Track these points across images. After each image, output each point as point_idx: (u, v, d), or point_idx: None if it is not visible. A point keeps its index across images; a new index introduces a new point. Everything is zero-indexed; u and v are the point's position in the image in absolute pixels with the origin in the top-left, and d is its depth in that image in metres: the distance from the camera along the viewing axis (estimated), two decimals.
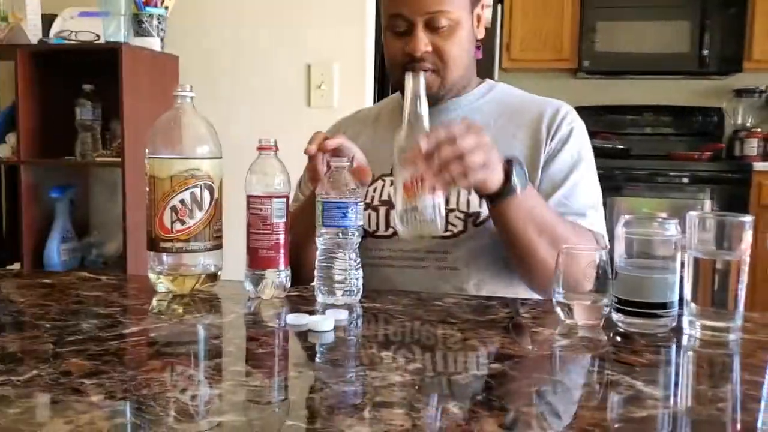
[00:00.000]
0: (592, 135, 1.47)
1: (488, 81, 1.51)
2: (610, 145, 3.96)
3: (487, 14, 1.45)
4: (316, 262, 1.17)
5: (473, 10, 1.39)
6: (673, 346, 0.99)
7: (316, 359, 0.93)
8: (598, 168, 1.45)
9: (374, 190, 1.42)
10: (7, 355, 0.89)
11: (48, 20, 2.57)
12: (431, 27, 1.33)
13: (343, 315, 1.06)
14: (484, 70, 2.31)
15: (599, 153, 1.52)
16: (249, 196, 1.18)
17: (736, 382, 0.88)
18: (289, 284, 1.21)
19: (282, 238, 1.18)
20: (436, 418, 0.72)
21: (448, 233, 1.33)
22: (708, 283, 1.00)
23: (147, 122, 2.38)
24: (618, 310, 1.03)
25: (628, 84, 4.48)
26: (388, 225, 1.38)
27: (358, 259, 1.18)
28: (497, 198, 1.19)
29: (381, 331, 1.06)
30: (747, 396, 0.80)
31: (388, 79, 3.02)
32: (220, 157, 1.23)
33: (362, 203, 1.18)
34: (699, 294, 1.00)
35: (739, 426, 0.73)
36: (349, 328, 1.04)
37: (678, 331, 1.01)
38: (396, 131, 1.17)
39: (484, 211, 1.32)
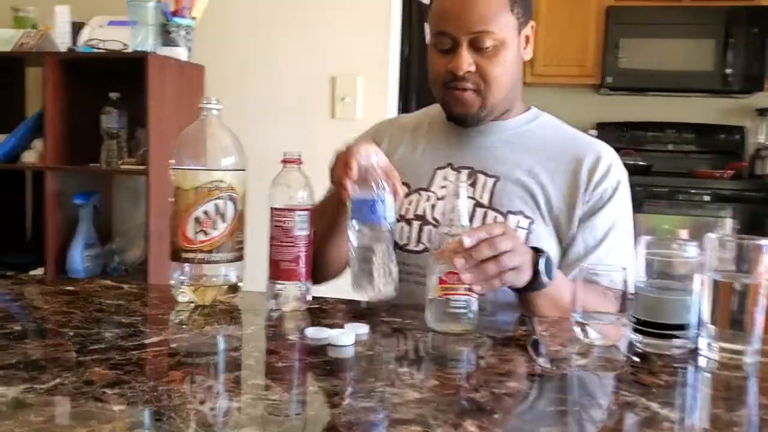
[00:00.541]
0: (614, 151, 1.46)
1: (534, 109, 1.50)
2: (632, 162, 3.94)
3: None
4: (350, 257, 1.18)
5: (521, 31, 1.38)
6: (691, 368, 0.99)
7: (335, 374, 0.94)
8: None
9: (409, 203, 1.41)
10: (31, 363, 0.91)
11: (77, 28, 2.60)
12: (476, 47, 1.32)
13: (363, 329, 1.07)
14: None
15: None
16: (272, 209, 1.19)
17: (752, 406, 0.88)
18: (310, 297, 1.22)
19: (304, 251, 1.19)
20: None
21: None
22: (726, 306, 1.00)
23: (172, 131, 2.43)
24: (636, 331, 1.03)
25: (650, 101, 4.47)
26: (419, 240, 1.38)
27: (392, 254, 1.18)
28: (525, 290, 1.20)
29: (400, 347, 1.06)
30: (763, 421, 0.80)
31: (411, 93, 3.05)
32: (245, 169, 1.25)
33: (391, 198, 1.17)
34: (717, 316, 1.00)
35: None
36: (369, 343, 1.05)
37: (696, 352, 1.01)
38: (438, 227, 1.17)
39: None
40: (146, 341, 1.02)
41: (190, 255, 1.21)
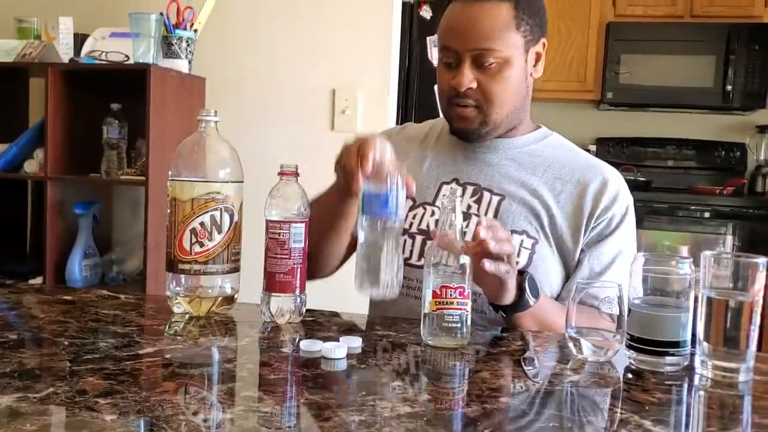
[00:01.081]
0: (613, 167, 1.46)
1: (544, 128, 1.49)
2: (632, 177, 3.95)
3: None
4: (357, 253, 1.15)
5: (530, 48, 1.37)
6: (685, 386, 0.99)
7: (328, 387, 0.94)
8: None
9: (413, 217, 1.41)
10: (26, 372, 0.91)
11: (80, 40, 2.62)
12: (478, 63, 1.33)
13: (356, 342, 1.07)
14: None
15: None
16: (268, 221, 1.19)
17: (746, 425, 0.87)
18: (304, 309, 1.22)
19: (299, 263, 1.19)
20: None
21: None
22: (721, 323, 1.00)
23: (172, 142, 2.44)
24: (630, 347, 1.03)
25: (651, 117, 4.48)
26: (421, 255, 1.37)
27: (400, 252, 1.16)
28: (511, 310, 1.21)
29: (394, 360, 1.06)
30: None
31: (411, 106, 3.06)
32: (242, 181, 1.25)
33: (403, 193, 1.14)
34: (711, 333, 1.00)
35: None
36: (362, 356, 1.05)
37: (690, 370, 1.01)
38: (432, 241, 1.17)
39: (520, 261, 1.33)
40: (141, 351, 1.02)
41: (186, 266, 1.21)
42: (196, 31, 2.53)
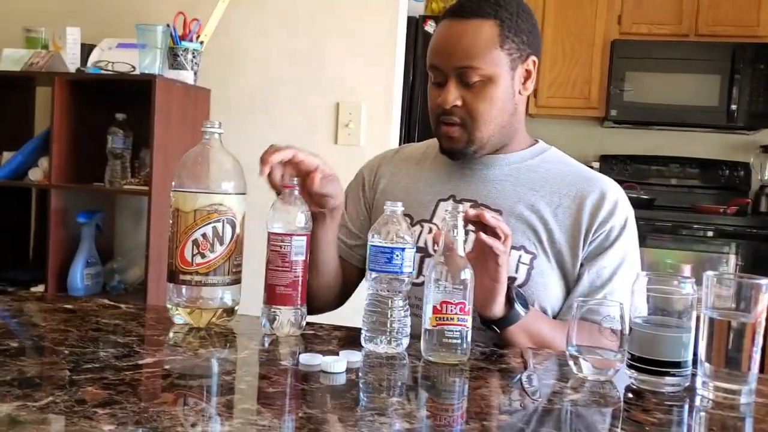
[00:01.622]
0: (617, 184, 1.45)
1: (541, 143, 1.49)
2: (635, 195, 3.94)
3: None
4: (364, 307, 1.16)
5: (517, 66, 1.36)
6: (685, 407, 0.98)
7: (326, 401, 0.93)
8: None
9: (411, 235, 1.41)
10: (26, 380, 0.91)
11: (87, 50, 2.63)
12: (463, 81, 1.33)
13: (356, 357, 1.07)
14: None
15: None
16: (270, 233, 1.19)
17: None
18: (304, 322, 1.22)
19: (300, 276, 1.19)
20: None
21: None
22: (722, 344, 0.99)
23: (176, 153, 2.44)
24: (631, 367, 1.02)
25: (654, 135, 4.48)
26: (420, 272, 1.36)
27: (407, 307, 1.16)
28: (502, 323, 1.22)
29: (393, 376, 1.06)
30: None
31: (415, 121, 3.07)
32: (245, 193, 1.25)
33: (413, 249, 1.16)
34: (713, 354, 0.99)
35: None
36: (361, 371, 1.05)
37: (691, 390, 1.01)
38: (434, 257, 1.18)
39: (518, 276, 1.33)
40: (140, 362, 1.02)
41: (187, 277, 1.21)
42: (202, 43, 2.55)
